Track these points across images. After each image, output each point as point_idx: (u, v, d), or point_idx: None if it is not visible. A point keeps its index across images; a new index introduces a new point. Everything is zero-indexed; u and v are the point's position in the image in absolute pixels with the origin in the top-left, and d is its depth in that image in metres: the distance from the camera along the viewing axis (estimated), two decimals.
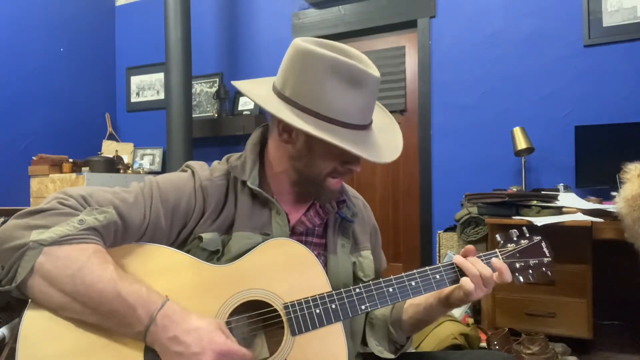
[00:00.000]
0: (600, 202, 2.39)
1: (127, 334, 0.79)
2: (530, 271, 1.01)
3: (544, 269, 1.01)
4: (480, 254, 0.98)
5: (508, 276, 0.95)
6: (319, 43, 0.91)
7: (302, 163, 0.95)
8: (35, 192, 3.59)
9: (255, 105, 3.77)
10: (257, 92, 0.96)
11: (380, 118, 1.02)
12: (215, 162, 1.03)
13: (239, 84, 0.99)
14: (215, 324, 0.80)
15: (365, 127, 0.93)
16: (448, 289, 0.96)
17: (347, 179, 1.08)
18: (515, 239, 1.03)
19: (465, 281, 0.92)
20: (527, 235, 1.04)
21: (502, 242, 1.03)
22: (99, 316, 0.77)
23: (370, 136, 0.94)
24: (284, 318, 0.87)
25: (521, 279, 1.00)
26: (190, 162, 1.01)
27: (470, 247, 0.98)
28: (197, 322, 0.79)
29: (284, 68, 0.93)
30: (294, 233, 1.00)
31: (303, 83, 0.89)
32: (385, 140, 0.97)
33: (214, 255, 0.91)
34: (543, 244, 1.03)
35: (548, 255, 1.02)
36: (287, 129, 0.94)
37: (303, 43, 0.90)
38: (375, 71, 0.90)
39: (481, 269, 0.93)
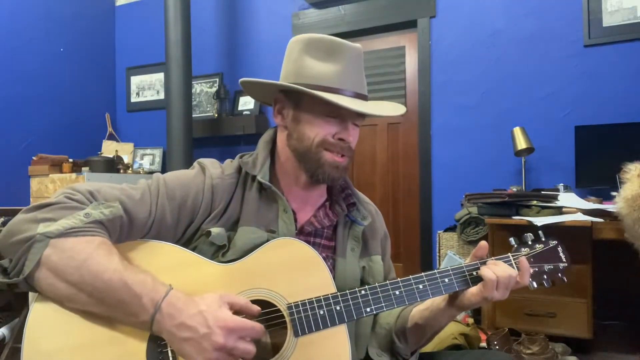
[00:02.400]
0: (600, 202, 2.39)
1: (133, 323, 0.79)
2: (545, 277, 0.97)
3: (559, 274, 0.98)
4: (492, 258, 0.96)
5: (526, 280, 0.94)
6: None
7: (295, 139, 0.97)
8: (35, 192, 3.59)
9: (255, 105, 3.78)
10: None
11: (384, 103, 1.06)
12: (228, 160, 1.04)
13: (244, 81, 1.04)
14: (219, 302, 0.80)
15: (352, 95, 0.94)
16: (458, 292, 0.94)
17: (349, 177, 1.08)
18: (530, 242, 1.00)
19: (486, 271, 0.90)
20: (543, 239, 1.01)
21: (515, 245, 1.00)
22: (105, 306, 0.78)
23: (355, 100, 0.95)
24: (287, 319, 0.87)
25: (535, 284, 0.96)
26: (202, 159, 1.01)
27: (483, 243, 0.95)
28: (200, 305, 0.78)
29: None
30: (302, 233, 1.00)
31: (287, 66, 0.99)
32: (377, 105, 1.00)
33: (221, 250, 0.92)
34: (559, 249, 1.00)
35: (564, 260, 0.99)
36: (280, 111, 1.00)
37: (293, 37, 0.99)
38: (355, 44, 0.96)
39: (505, 268, 0.91)
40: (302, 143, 0.95)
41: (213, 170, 0.97)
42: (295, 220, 0.98)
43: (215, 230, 0.92)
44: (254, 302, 0.87)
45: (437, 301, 0.98)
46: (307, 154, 0.95)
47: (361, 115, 0.96)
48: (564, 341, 2.23)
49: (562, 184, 2.66)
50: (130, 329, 0.80)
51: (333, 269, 1.00)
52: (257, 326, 0.80)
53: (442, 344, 1.99)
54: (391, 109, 1.01)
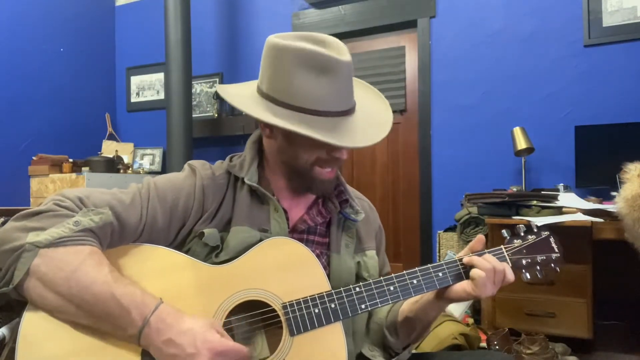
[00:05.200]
0: (600, 202, 2.38)
1: (122, 336, 0.78)
2: (538, 267, 0.97)
3: (552, 265, 0.98)
4: (485, 250, 0.96)
5: (510, 275, 0.92)
6: (293, 36, 0.91)
7: (287, 156, 0.95)
8: (35, 192, 3.59)
9: None
10: (236, 92, 0.97)
11: (365, 97, 1.01)
12: (218, 162, 1.04)
13: (221, 89, 0.99)
14: (209, 324, 0.79)
15: (343, 113, 0.92)
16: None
17: (347, 178, 1.08)
18: (522, 234, 1.00)
19: (477, 273, 0.89)
20: (535, 230, 1.01)
21: (508, 237, 1.00)
22: (93, 318, 0.77)
23: (348, 122, 0.92)
24: (282, 318, 0.86)
25: (528, 275, 0.96)
26: (192, 162, 1.01)
27: (480, 236, 0.95)
28: (190, 324, 0.78)
29: (261, 65, 0.95)
30: (295, 231, 1.00)
31: (275, 77, 0.90)
32: (367, 123, 0.94)
33: (214, 251, 0.91)
34: (551, 239, 1.00)
35: (557, 250, 0.99)
36: (267, 124, 0.95)
37: (274, 38, 0.91)
38: (344, 56, 0.89)
39: (493, 261, 0.90)
40: (296, 161, 0.94)
41: (203, 171, 0.97)
42: (287, 218, 0.98)
43: (208, 231, 0.91)
44: (248, 302, 0.87)
45: (427, 294, 0.97)
46: (300, 172, 0.95)
47: None
48: (564, 341, 2.23)
49: (562, 184, 2.65)
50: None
51: (328, 265, 0.99)
52: (244, 350, 0.79)
53: (442, 344, 1.99)
54: (380, 125, 0.95)
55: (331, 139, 0.86)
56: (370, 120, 0.96)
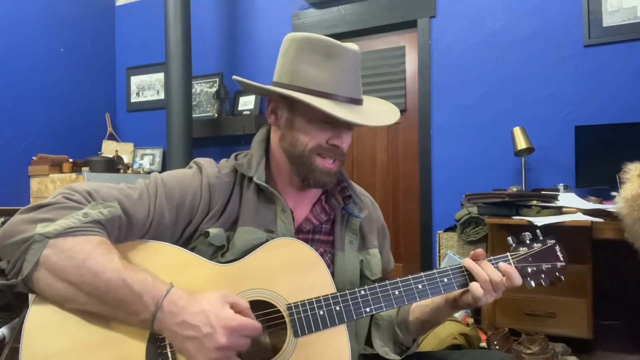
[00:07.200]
0: (600, 202, 2.39)
1: (134, 322, 0.79)
2: (543, 275, 0.98)
3: (557, 273, 0.99)
4: (491, 257, 0.96)
5: (517, 280, 0.93)
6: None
7: (288, 142, 0.97)
8: (35, 192, 3.59)
9: (255, 105, 3.78)
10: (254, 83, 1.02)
11: (371, 103, 1.04)
12: (224, 160, 1.04)
13: (240, 80, 1.03)
14: (221, 300, 0.79)
15: (348, 99, 0.93)
16: (457, 291, 0.95)
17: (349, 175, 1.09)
18: (527, 242, 1.01)
19: (474, 286, 0.91)
20: (541, 238, 1.01)
21: (514, 245, 1.01)
22: (105, 306, 0.78)
23: (352, 106, 0.94)
24: (287, 319, 0.87)
25: (533, 283, 0.97)
26: (198, 159, 1.01)
27: (479, 250, 0.96)
28: (202, 304, 0.78)
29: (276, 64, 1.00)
30: (300, 232, 1.00)
31: (283, 64, 0.96)
32: (371, 112, 0.97)
33: (220, 251, 0.92)
34: (557, 248, 1.00)
35: (562, 259, 1.00)
36: (274, 111, 0.99)
37: (289, 34, 0.96)
38: (352, 46, 0.93)
39: (491, 273, 0.91)
40: (295, 147, 0.96)
41: (210, 169, 0.97)
42: (293, 219, 0.98)
43: (213, 230, 0.92)
44: (253, 302, 0.87)
45: (437, 301, 0.99)
46: (299, 159, 0.96)
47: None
48: (564, 341, 2.23)
49: (562, 184, 2.65)
50: (129, 330, 0.80)
51: (332, 263, 1.00)
52: (258, 325, 0.80)
53: (442, 344, 1.99)
54: (384, 115, 1.00)
55: (327, 108, 0.88)
56: (372, 109, 0.99)
